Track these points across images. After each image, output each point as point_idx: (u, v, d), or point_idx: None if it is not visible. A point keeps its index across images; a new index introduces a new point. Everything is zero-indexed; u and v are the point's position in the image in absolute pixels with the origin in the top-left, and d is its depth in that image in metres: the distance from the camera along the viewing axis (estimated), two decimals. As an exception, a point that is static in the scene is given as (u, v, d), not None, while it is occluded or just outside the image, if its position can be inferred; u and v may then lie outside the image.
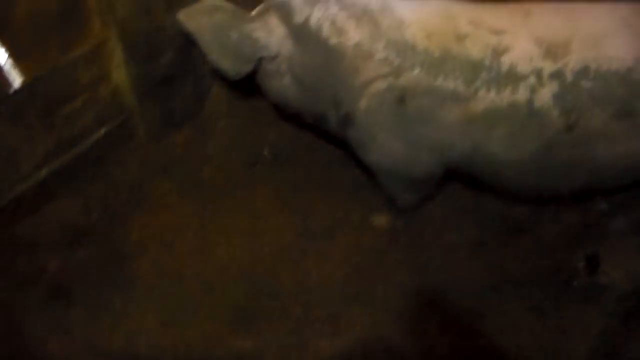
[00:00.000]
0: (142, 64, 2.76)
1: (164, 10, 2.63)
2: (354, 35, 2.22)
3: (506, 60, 2.14)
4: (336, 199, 3.04)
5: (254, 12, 2.40)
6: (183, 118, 3.17)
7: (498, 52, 2.15)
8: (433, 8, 2.28)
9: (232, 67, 2.37)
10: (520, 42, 2.16)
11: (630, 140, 2.19)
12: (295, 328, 2.66)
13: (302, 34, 2.26)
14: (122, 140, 3.04)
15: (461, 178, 2.68)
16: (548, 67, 2.12)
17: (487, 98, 2.16)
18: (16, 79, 2.39)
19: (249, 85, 3.29)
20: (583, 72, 2.10)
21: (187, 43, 2.84)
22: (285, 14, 2.25)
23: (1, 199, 2.62)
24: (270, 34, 2.25)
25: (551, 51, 2.13)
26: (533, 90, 2.12)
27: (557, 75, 2.11)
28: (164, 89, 2.94)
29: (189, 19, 2.34)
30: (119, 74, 2.78)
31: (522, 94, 2.13)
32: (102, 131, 2.90)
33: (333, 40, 2.23)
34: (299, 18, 2.23)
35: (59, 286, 2.68)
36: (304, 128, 3.20)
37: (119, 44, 2.65)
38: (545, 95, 2.12)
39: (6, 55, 2.32)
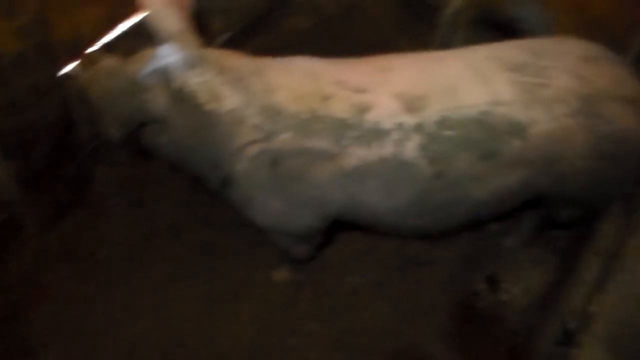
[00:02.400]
0: (18, 158, 2.75)
1: (33, 103, 2.62)
2: (229, 101, 2.25)
3: (370, 118, 2.21)
4: (237, 261, 3.07)
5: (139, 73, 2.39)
6: (71, 202, 3.15)
7: (361, 110, 2.22)
8: (298, 70, 2.36)
9: (120, 131, 2.35)
10: (382, 98, 2.24)
11: (499, 177, 2.28)
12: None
13: (179, 98, 2.27)
14: (12, 235, 3.00)
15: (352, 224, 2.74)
16: (409, 121, 2.20)
17: (356, 154, 2.22)
18: None
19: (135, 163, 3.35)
20: (443, 122, 2.20)
21: (62, 133, 2.85)
22: (165, 79, 2.26)
23: None
24: (158, 103, 2.27)
25: (411, 105, 2.22)
26: (398, 144, 2.20)
27: (419, 128, 2.20)
28: (46, 179, 2.93)
29: (91, 84, 2.30)
30: (-3, 171, 2.77)
31: (388, 148, 2.20)
32: (-12, 230, 2.86)
33: (208, 106, 2.25)
34: (176, 83, 2.24)
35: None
36: (196, 197, 3.24)
37: (-9, 142, 2.64)
38: (411, 147, 2.20)
39: None
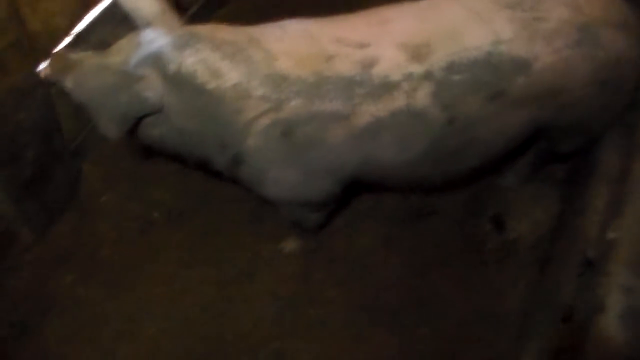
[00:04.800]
0: (6, 167, 2.62)
1: (13, 108, 2.49)
2: (230, 76, 2.17)
3: (376, 72, 2.17)
4: (242, 240, 3.02)
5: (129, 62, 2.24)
6: (62, 205, 3.05)
7: (367, 66, 2.18)
8: (294, 34, 2.29)
9: (117, 128, 2.25)
10: (386, 51, 2.19)
11: (505, 116, 2.29)
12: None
13: (177, 82, 2.17)
14: (8, 248, 2.87)
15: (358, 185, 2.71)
16: (417, 69, 2.17)
17: (368, 111, 2.18)
18: None
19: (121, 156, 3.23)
20: (449, 67, 2.18)
21: (47, 132, 2.72)
22: (159, 65, 2.16)
23: None
24: (155, 91, 2.17)
25: (417, 54, 2.18)
26: (409, 95, 2.17)
27: (427, 75, 2.17)
28: (36, 184, 2.80)
29: (78, 85, 2.18)
30: (-15, 183, 2.62)
31: (399, 101, 2.17)
32: (-17, 247, 2.73)
33: (210, 85, 2.16)
34: (172, 67, 2.15)
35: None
36: (188, 180, 3.17)
37: (-24, 154, 2.50)
38: (422, 96, 2.17)
39: None
